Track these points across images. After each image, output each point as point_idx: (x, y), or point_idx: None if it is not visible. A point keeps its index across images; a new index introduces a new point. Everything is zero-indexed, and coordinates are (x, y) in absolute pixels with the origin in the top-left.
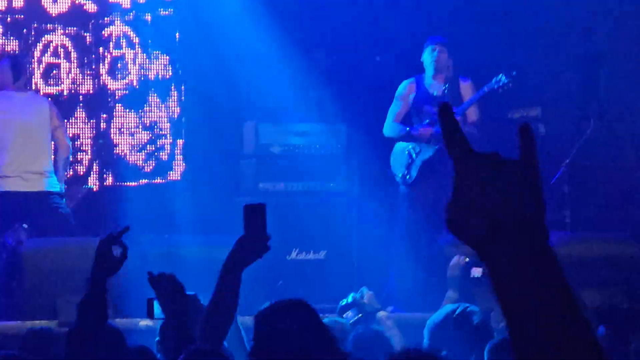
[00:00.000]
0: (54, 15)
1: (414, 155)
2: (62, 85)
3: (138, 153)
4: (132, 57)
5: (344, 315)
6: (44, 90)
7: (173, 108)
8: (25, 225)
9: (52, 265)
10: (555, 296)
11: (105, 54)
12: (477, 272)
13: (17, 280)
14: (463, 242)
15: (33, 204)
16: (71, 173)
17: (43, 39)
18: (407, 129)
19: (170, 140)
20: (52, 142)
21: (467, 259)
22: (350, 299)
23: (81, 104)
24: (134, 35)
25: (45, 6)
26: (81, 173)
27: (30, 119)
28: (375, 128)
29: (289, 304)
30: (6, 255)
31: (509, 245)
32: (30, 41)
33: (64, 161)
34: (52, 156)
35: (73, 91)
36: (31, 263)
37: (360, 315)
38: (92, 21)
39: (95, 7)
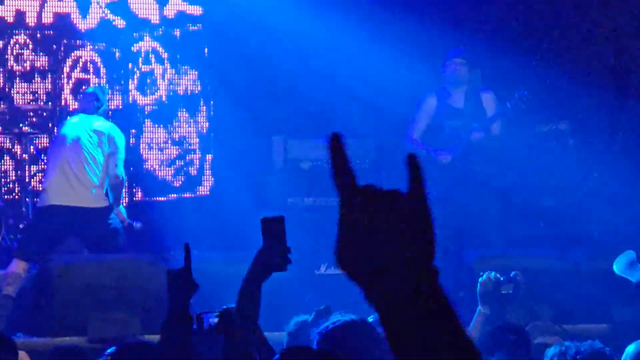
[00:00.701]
0: (83, 30)
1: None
2: None
3: (167, 168)
4: (161, 72)
5: None
6: (73, 106)
7: (202, 123)
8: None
9: (82, 281)
10: (443, 335)
11: (134, 69)
12: (508, 287)
13: (46, 296)
14: (351, 278)
15: (78, 218)
16: None
17: (72, 54)
18: (428, 151)
19: (199, 155)
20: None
21: (499, 275)
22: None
23: (110, 120)
24: (163, 50)
25: (75, 22)
26: None
27: (82, 135)
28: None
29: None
30: (36, 271)
31: (395, 284)
32: (59, 57)
33: (111, 190)
34: (103, 175)
35: None
36: (61, 279)
37: None
38: (121, 37)
39: (124, 23)
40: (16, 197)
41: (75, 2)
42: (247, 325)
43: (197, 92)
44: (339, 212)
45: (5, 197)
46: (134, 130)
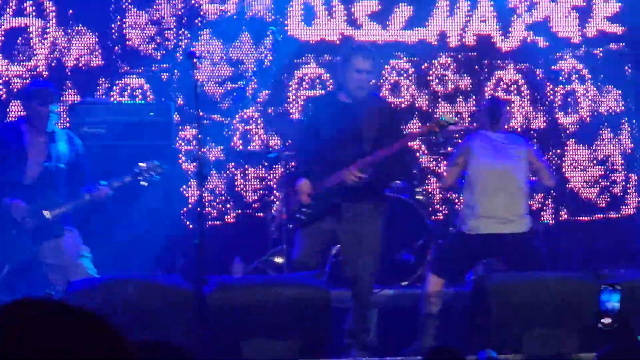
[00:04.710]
0: (505, 51)
1: None
2: (515, 121)
3: (591, 188)
4: (583, 92)
5: None
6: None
7: (625, 142)
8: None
9: (520, 299)
10: None
11: (556, 89)
12: None
13: (482, 315)
14: None
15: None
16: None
17: (495, 75)
18: None
19: (624, 175)
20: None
21: None
22: None
23: (535, 139)
24: (585, 70)
25: (497, 43)
26: (534, 209)
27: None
28: None
29: None
30: (470, 290)
31: None
32: (482, 78)
33: None
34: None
35: (524, 126)
36: (498, 297)
37: None
38: (543, 57)
39: (546, 43)
40: (440, 217)
41: (497, 25)
42: None
43: (619, 111)
44: None
45: (432, 217)
46: (558, 151)
